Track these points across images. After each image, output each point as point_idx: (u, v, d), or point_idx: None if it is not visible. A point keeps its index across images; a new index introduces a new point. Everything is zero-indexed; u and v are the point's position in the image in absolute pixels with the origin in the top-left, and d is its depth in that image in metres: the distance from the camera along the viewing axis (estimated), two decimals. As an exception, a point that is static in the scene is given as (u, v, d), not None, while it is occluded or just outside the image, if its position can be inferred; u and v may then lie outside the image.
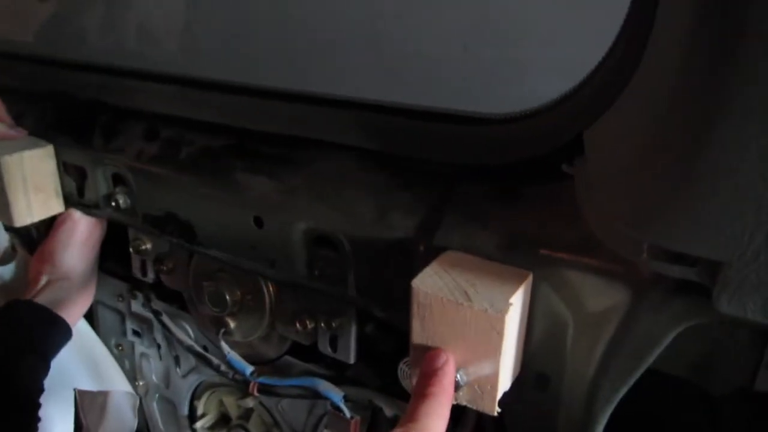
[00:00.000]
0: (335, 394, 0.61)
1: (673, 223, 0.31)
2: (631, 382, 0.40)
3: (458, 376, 0.43)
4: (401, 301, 0.51)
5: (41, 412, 0.65)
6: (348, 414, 0.61)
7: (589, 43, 0.41)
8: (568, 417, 0.45)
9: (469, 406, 0.44)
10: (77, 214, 0.74)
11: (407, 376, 0.58)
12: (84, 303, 0.74)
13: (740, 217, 0.29)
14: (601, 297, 0.41)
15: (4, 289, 0.86)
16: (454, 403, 0.44)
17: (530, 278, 0.43)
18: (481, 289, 0.42)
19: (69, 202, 0.74)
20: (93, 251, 0.76)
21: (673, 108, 0.31)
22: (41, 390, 0.65)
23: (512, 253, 0.45)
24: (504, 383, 0.44)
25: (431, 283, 0.43)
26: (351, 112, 0.55)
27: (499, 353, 0.41)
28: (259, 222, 0.58)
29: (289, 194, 0.56)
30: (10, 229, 0.88)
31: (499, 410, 0.43)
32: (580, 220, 0.41)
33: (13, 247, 0.87)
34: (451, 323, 0.42)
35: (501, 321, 0.40)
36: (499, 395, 0.43)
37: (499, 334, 0.41)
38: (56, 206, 0.72)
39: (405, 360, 0.58)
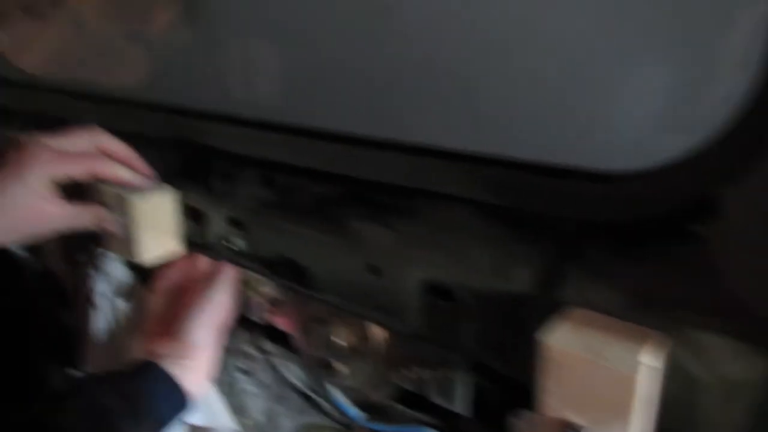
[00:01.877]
0: (446, 445, 0.61)
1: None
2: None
3: (587, 437, 0.43)
4: (518, 356, 0.52)
5: None
6: (459, 467, 0.61)
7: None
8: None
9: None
10: (215, 291, 0.75)
11: (519, 429, 0.58)
12: (201, 389, 0.74)
13: None
14: (743, 363, 0.40)
15: (123, 323, 0.92)
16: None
17: (662, 339, 0.43)
18: (613, 347, 0.42)
19: (185, 243, 0.78)
20: (223, 329, 0.76)
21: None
22: None
23: (642, 313, 0.44)
24: (636, 449, 0.43)
25: (561, 339, 0.43)
26: (469, 164, 0.56)
27: (631, 414, 0.41)
28: (374, 270, 0.60)
29: (405, 244, 0.58)
30: (130, 266, 0.94)
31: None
32: (717, 280, 0.41)
33: (132, 284, 0.93)
34: (581, 381, 0.42)
35: (633, 381, 0.40)
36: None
37: (631, 394, 0.40)
38: (175, 247, 0.77)
39: (517, 413, 0.58)
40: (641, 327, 0.44)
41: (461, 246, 0.55)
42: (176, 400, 0.69)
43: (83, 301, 1.01)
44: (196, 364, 0.72)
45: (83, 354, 1.03)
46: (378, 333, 0.67)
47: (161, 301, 0.82)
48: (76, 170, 0.67)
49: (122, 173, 0.70)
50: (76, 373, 0.79)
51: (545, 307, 0.49)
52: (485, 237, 0.54)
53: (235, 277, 0.78)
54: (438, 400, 0.63)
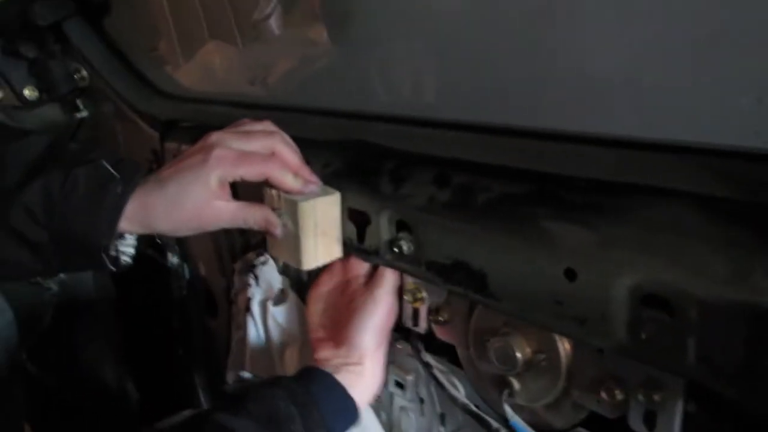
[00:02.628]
0: (651, 480, 0.53)
1: None
2: None
3: None
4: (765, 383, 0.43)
5: None
6: (666, 507, 0.52)
7: None
8: None
9: None
10: (380, 294, 0.73)
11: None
12: (373, 390, 0.72)
13: None
14: None
15: (278, 330, 0.90)
16: None
17: None
18: None
19: (347, 247, 0.75)
20: (388, 335, 0.74)
21: None
22: None
23: None
24: None
25: None
26: (701, 156, 0.49)
27: None
28: (571, 274, 0.53)
29: (611, 245, 0.51)
30: (283, 272, 0.93)
31: None
32: None
33: (284, 290, 0.92)
34: None
35: None
36: None
37: None
38: (337, 252, 0.74)
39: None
40: None
41: (686, 248, 0.47)
42: (348, 413, 0.67)
43: (237, 308, 1.01)
44: (365, 369, 0.70)
45: (233, 361, 1.02)
46: (566, 346, 0.59)
47: (321, 306, 0.79)
48: (251, 173, 0.67)
49: (290, 181, 0.68)
50: (246, 375, 0.77)
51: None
52: (716, 238, 0.46)
53: (396, 280, 0.74)
54: (639, 428, 0.54)
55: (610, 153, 0.53)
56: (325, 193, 0.71)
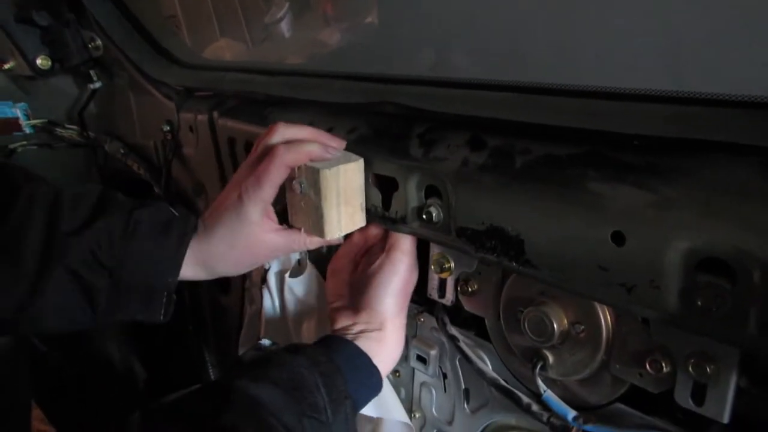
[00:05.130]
0: (700, 458, 0.49)
1: None
2: None
3: None
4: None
5: None
6: (718, 487, 0.48)
7: None
8: None
9: None
10: (397, 256, 0.69)
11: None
12: (395, 358, 0.69)
13: None
14: None
15: (295, 301, 0.86)
16: None
17: None
18: None
19: (371, 215, 0.71)
20: (408, 299, 0.71)
21: None
22: None
23: None
24: None
25: None
26: (753, 110, 0.45)
27: None
28: (619, 238, 0.49)
29: (666, 207, 0.47)
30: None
31: None
32: None
33: (302, 261, 0.87)
34: None
35: None
36: None
37: None
38: (360, 220, 0.70)
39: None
40: None
41: (752, 209, 0.43)
42: (371, 382, 0.64)
43: (252, 282, 0.97)
44: (386, 335, 0.67)
45: (245, 336, 0.98)
46: (607, 317, 0.55)
47: (340, 276, 0.75)
48: (274, 179, 0.63)
49: (312, 148, 0.64)
50: (266, 343, 0.73)
51: None
52: (788, 197, 0.42)
53: (413, 241, 0.71)
54: (688, 404, 0.50)
55: (666, 108, 0.49)
56: (348, 160, 0.67)
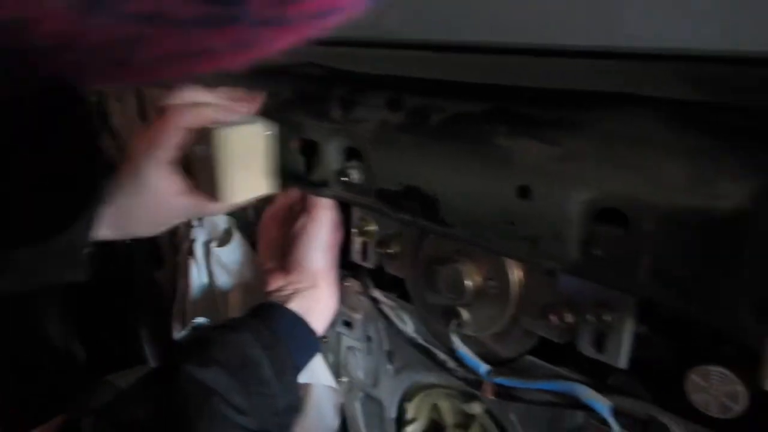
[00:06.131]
0: (601, 404, 0.50)
1: None
2: None
3: None
4: (726, 294, 0.40)
5: None
6: (617, 429, 0.49)
7: None
8: None
9: None
10: (319, 212, 0.70)
11: (700, 389, 0.46)
12: (330, 313, 0.70)
13: None
14: None
15: (222, 271, 0.84)
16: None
17: None
18: None
19: (295, 180, 0.70)
20: (336, 255, 0.72)
21: None
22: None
23: None
24: None
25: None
26: (650, 61, 0.45)
27: None
28: (524, 192, 0.49)
29: (568, 159, 0.47)
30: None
31: None
32: None
33: (229, 230, 0.86)
34: None
35: None
36: None
37: None
38: (265, 186, 0.66)
39: (697, 368, 0.46)
40: None
41: (643, 158, 0.44)
42: (311, 345, 0.65)
43: (182, 253, 0.95)
44: (320, 291, 0.68)
45: (177, 310, 0.96)
46: (516, 272, 0.56)
47: (267, 239, 0.75)
48: (174, 137, 0.61)
49: (209, 110, 0.62)
50: (200, 321, 0.72)
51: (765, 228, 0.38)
52: (677, 146, 0.43)
53: (334, 205, 0.71)
54: (590, 352, 0.51)
55: (571, 62, 0.50)
56: (246, 123, 0.64)
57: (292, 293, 0.67)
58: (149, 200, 0.62)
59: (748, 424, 0.45)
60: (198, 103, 0.63)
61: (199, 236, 0.87)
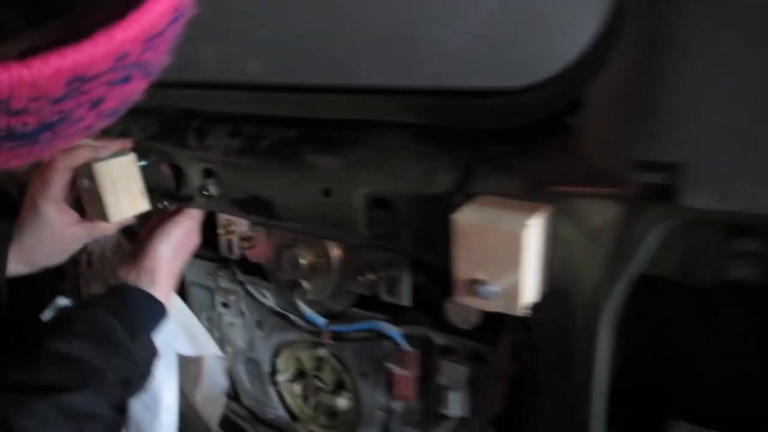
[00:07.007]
0: (395, 332, 0.71)
1: (646, 138, 0.41)
2: (626, 280, 0.49)
3: (493, 288, 0.53)
4: (446, 245, 0.62)
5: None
6: (407, 347, 0.71)
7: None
8: (583, 323, 0.54)
9: (502, 311, 0.54)
10: (181, 218, 0.83)
11: (453, 311, 0.68)
12: (165, 300, 0.80)
13: (692, 126, 0.38)
14: (600, 215, 0.50)
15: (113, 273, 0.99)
16: (491, 310, 0.54)
17: (547, 209, 0.53)
18: (506, 217, 0.52)
19: (168, 197, 0.86)
20: (185, 256, 0.84)
21: (636, 70, 0.41)
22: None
23: (531, 193, 0.55)
24: (528, 293, 0.53)
25: (467, 215, 0.53)
26: (399, 97, 0.66)
27: (521, 265, 0.51)
28: (327, 193, 0.69)
29: (351, 167, 0.67)
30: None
31: (527, 314, 0.53)
32: (581, 160, 0.51)
33: (119, 241, 1.01)
34: (483, 246, 0.52)
35: (520, 238, 0.50)
36: (523, 302, 0.53)
37: (520, 249, 0.51)
38: (143, 205, 0.80)
39: (451, 299, 0.68)
40: (531, 203, 0.54)
41: (396, 163, 0.64)
42: (156, 311, 0.77)
43: (83, 266, 1.08)
44: (158, 278, 0.78)
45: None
46: (335, 250, 0.76)
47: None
48: (63, 177, 0.75)
49: (83, 150, 0.76)
50: (63, 302, 0.85)
51: (462, 200, 0.59)
52: (416, 153, 0.64)
53: (199, 214, 0.84)
54: (387, 298, 0.72)
55: (350, 98, 0.70)
56: (119, 155, 0.78)
57: (136, 274, 0.78)
58: (50, 234, 0.75)
59: (480, 331, 0.67)
60: (77, 146, 0.77)
61: (95, 249, 1.01)
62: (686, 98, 0.38)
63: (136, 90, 0.32)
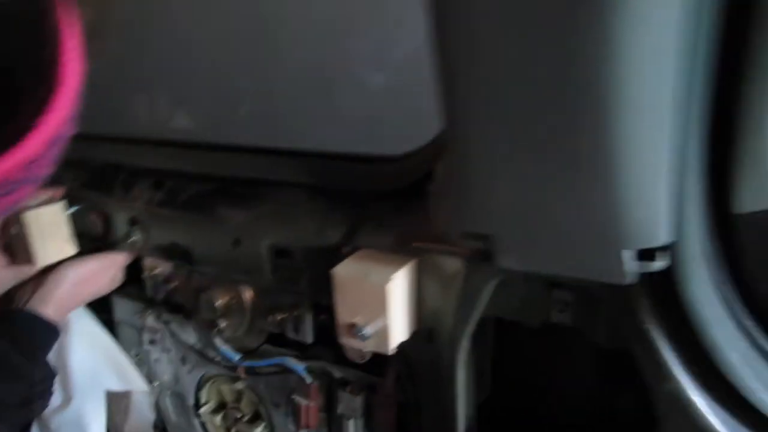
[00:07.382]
0: (300, 366, 0.79)
1: (465, 214, 0.51)
2: (473, 322, 0.59)
3: (367, 330, 0.61)
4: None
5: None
6: (309, 380, 0.79)
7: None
8: (445, 359, 0.64)
9: (376, 350, 0.63)
10: (102, 257, 0.87)
11: (349, 347, 0.77)
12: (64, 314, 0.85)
13: (496, 206, 0.48)
14: (451, 268, 0.60)
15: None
16: (365, 350, 0.63)
17: (413, 261, 0.62)
18: (376, 270, 0.61)
19: (96, 242, 0.93)
20: (90, 292, 0.87)
21: (459, 158, 0.51)
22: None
23: (401, 247, 0.64)
24: (397, 334, 0.62)
25: (345, 269, 0.62)
26: (300, 159, 0.75)
27: (388, 312, 0.60)
28: (237, 242, 0.77)
29: (257, 220, 0.76)
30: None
31: (396, 352, 0.62)
32: (434, 217, 0.61)
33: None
34: (358, 295, 0.61)
35: (385, 290, 0.59)
36: (394, 343, 0.62)
37: (386, 298, 0.60)
38: (69, 250, 0.86)
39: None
40: (401, 256, 0.63)
41: (295, 218, 0.73)
42: (47, 332, 0.80)
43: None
44: (53, 298, 0.82)
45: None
46: (247, 292, 0.84)
47: None
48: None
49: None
50: None
51: (347, 252, 0.68)
52: (311, 209, 0.73)
53: (123, 259, 0.89)
54: (293, 336, 0.80)
55: (258, 159, 0.78)
56: (47, 204, 0.83)
57: (31, 293, 0.81)
58: None
59: (371, 364, 0.76)
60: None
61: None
62: (486, 186, 0.48)
63: (21, 197, 0.34)
